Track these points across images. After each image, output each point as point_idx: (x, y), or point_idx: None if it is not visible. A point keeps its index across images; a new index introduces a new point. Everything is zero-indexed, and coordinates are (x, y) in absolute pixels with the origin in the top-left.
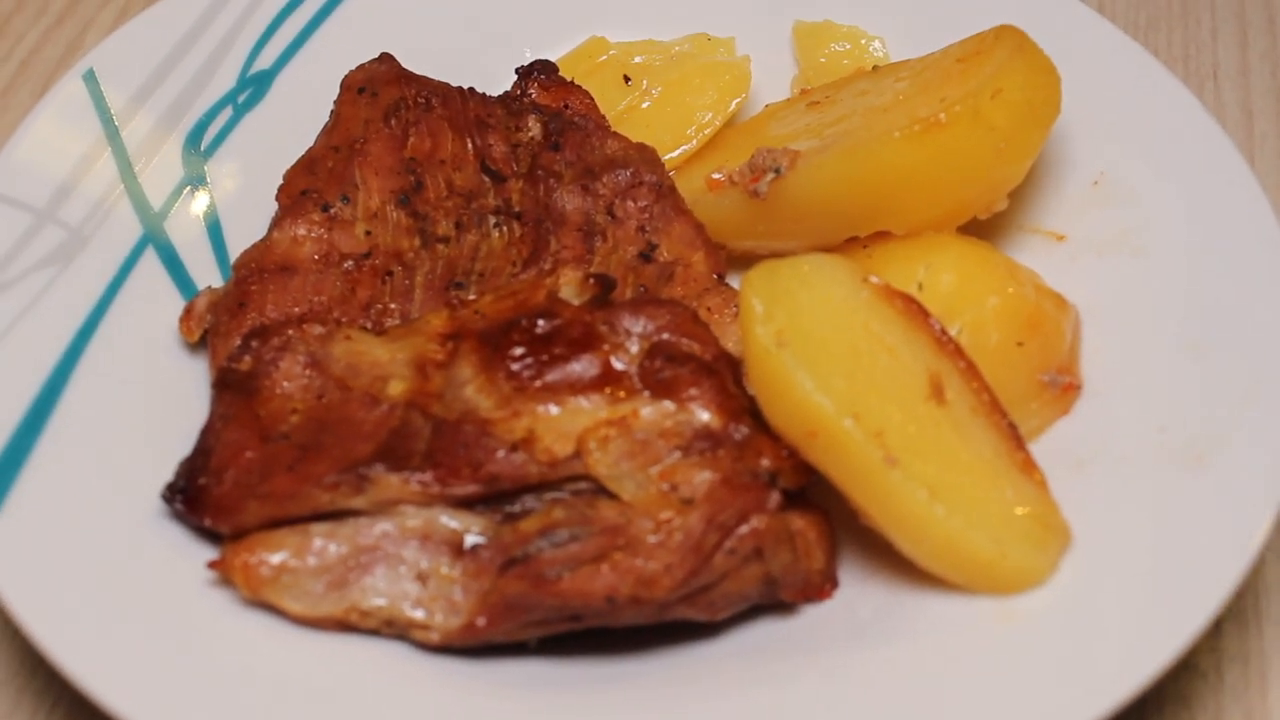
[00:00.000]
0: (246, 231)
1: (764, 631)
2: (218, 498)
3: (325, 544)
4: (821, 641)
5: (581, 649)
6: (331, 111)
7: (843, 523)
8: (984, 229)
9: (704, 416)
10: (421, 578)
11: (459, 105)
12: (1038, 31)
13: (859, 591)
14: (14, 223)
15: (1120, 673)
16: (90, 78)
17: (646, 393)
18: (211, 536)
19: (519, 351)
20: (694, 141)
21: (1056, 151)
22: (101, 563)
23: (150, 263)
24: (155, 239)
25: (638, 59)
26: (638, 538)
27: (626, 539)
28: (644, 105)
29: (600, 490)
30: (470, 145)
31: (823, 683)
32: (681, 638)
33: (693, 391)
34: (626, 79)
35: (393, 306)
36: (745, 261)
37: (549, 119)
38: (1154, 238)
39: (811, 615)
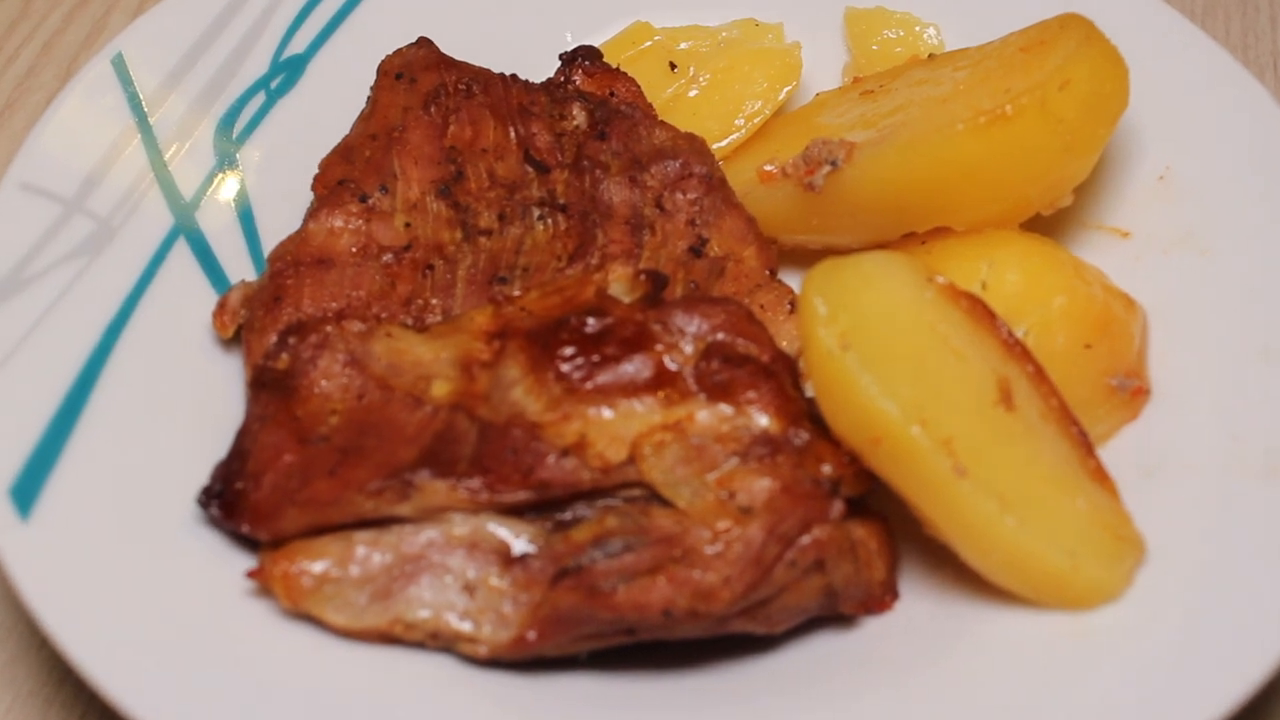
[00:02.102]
0: (281, 222)
1: (823, 645)
2: (255, 503)
3: (369, 553)
4: (882, 657)
5: (635, 662)
6: (369, 98)
7: (900, 529)
8: (1046, 224)
9: (762, 420)
10: (469, 589)
11: (501, 92)
12: (1098, 18)
13: (920, 602)
14: (41, 213)
15: (1203, 696)
16: (119, 62)
17: (702, 395)
18: (249, 543)
19: (569, 351)
20: (743, 131)
21: (1119, 144)
22: (133, 570)
23: (182, 255)
24: (187, 230)
25: (683, 45)
26: (695, 548)
27: (683, 549)
28: (691, 93)
29: (655, 497)
30: (513, 134)
31: (885, 703)
32: (738, 651)
33: (750, 394)
34: (672, 66)
35: (434, 302)
36: (796, 257)
37: (594, 107)
38: (1222, 236)
39: (871, 628)
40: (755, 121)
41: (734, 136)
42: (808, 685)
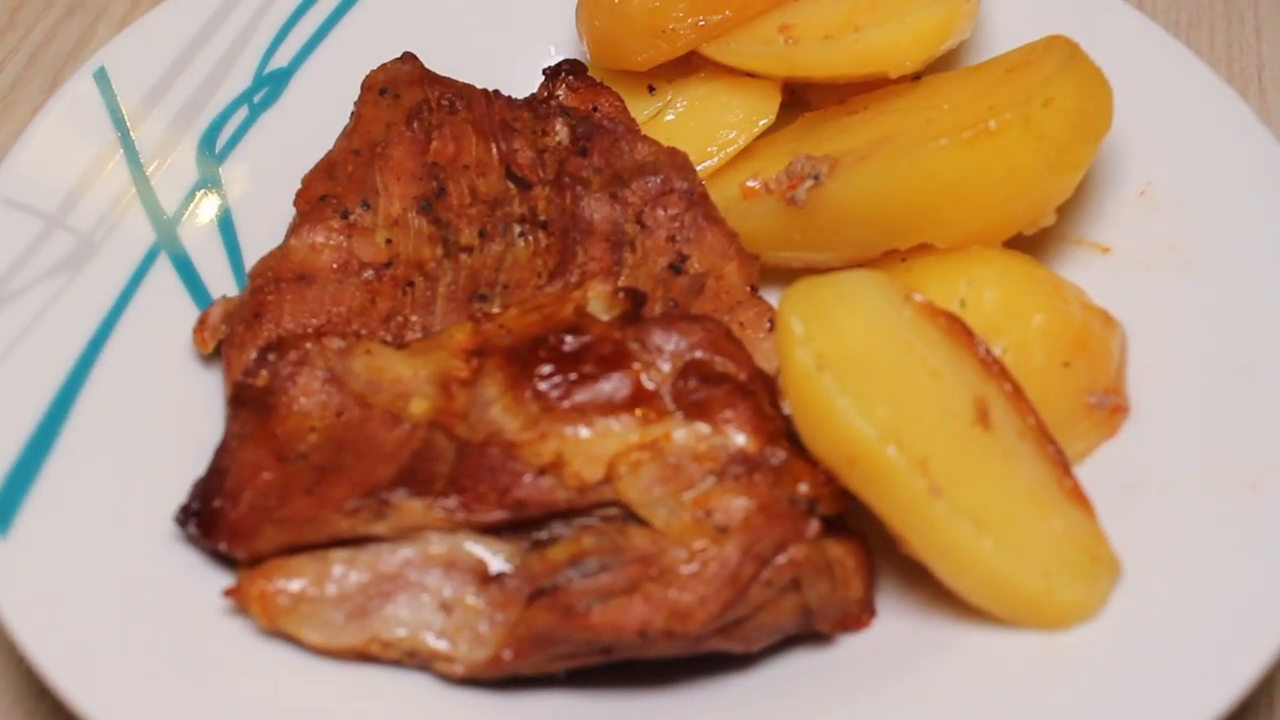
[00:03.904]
0: (263, 238)
1: (799, 663)
2: (233, 521)
3: (345, 571)
4: (858, 675)
5: (611, 680)
6: (352, 113)
7: (878, 547)
8: (1026, 239)
9: (739, 440)
10: (445, 607)
11: (484, 108)
12: (1081, 36)
13: (896, 621)
14: (23, 229)
15: (1178, 715)
16: (101, 76)
17: (679, 414)
18: (227, 561)
19: (547, 370)
20: (715, 160)
21: (1101, 159)
22: (111, 588)
23: (163, 270)
24: (168, 246)
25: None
26: (671, 568)
27: (659, 569)
28: (668, 117)
29: (631, 516)
30: (495, 150)
31: (859, 717)
32: (714, 669)
33: (727, 413)
34: (651, 88)
35: (414, 319)
36: (779, 273)
37: (577, 123)
38: (1203, 252)
39: (848, 646)
40: (729, 150)
41: (707, 164)
42: (784, 703)
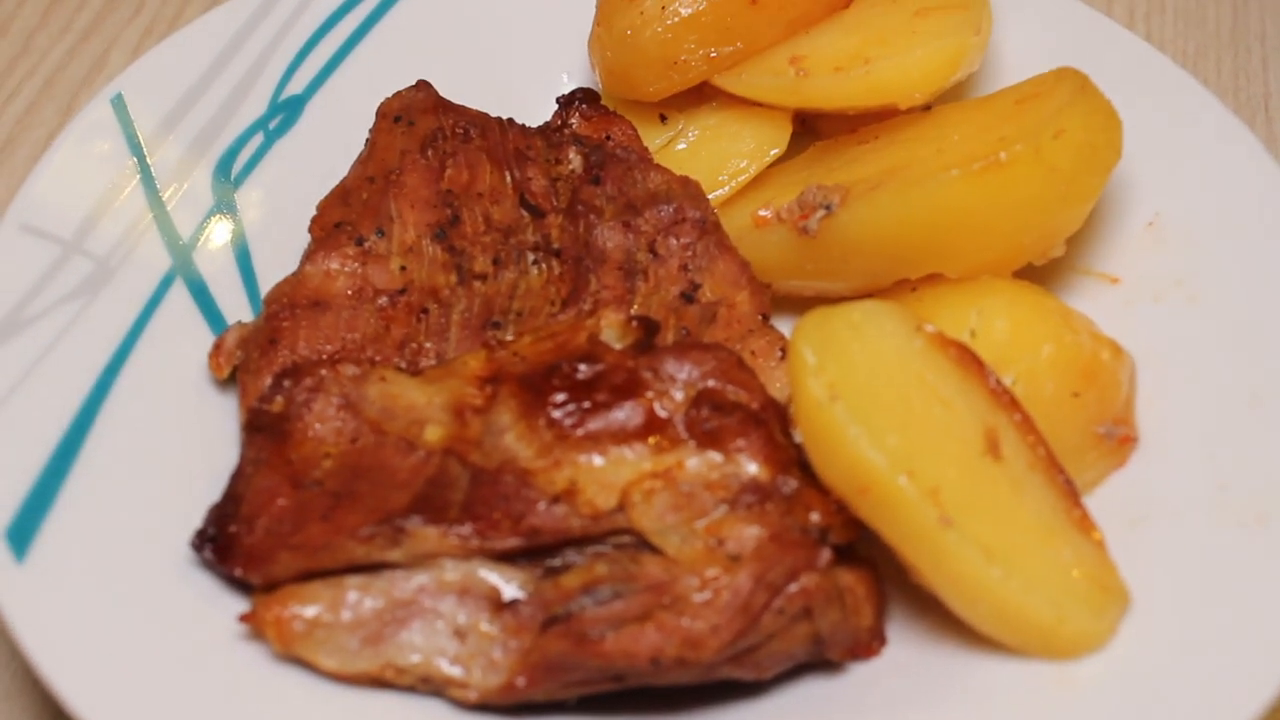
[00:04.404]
0: (278, 264)
1: (810, 691)
2: (249, 547)
3: (360, 598)
4: (868, 703)
5: (623, 707)
6: (367, 140)
7: (889, 576)
8: (1034, 270)
9: (751, 468)
10: (460, 634)
11: (498, 136)
12: (1089, 66)
13: (906, 649)
14: (40, 254)
15: None
16: (118, 102)
17: (692, 443)
18: (242, 586)
19: (560, 398)
20: (726, 189)
21: (1109, 190)
22: (127, 613)
23: (179, 295)
24: (184, 271)
25: None
26: (683, 596)
27: (672, 597)
28: (679, 146)
29: (644, 544)
30: (509, 178)
31: None
32: (725, 697)
33: (740, 442)
34: (663, 118)
35: (428, 346)
36: (790, 302)
37: (590, 151)
38: (1211, 283)
39: (858, 674)
40: (740, 179)
41: (719, 193)
42: None
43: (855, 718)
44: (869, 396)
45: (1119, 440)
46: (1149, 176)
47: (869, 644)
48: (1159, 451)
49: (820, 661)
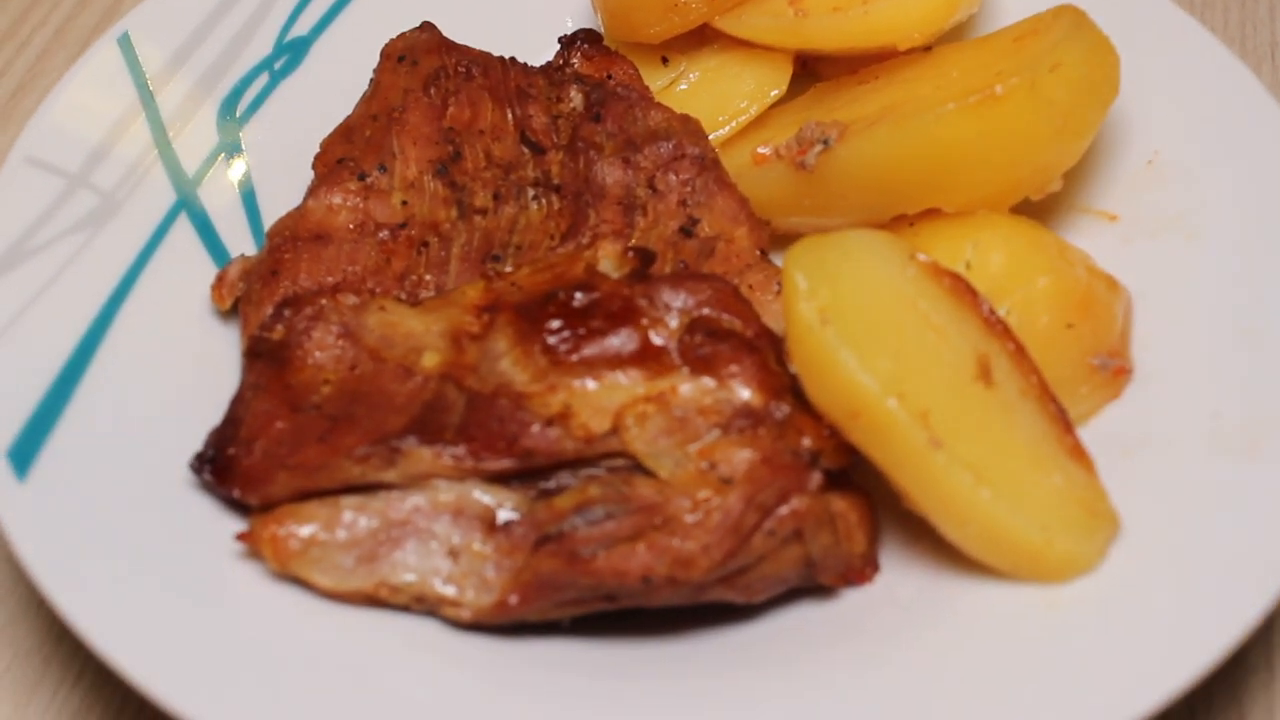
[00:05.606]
0: (281, 199)
1: (802, 615)
2: (247, 468)
3: (355, 517)
4: (861, 627)
5: (615, 629)
6: (370, 80)
7: (884, 504)
8: (1034, 207)
9: (744, 394)
10: (453, 553)
11: (500, 75)
12: (1093, 9)
13: (900, 576)
14: (46, 187)
15: (1169, 666)
16: (125, 42)
17: (686, 369)
18: (240, 508)
19: (556, 324)
20: (727, 129)
21: (1109, 129)
22: (128, 533)
23: (183, 229)
24: (189, 205)
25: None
26: (675, 517)
27: (663, 518)
28: (680, 88)
29: (637, 468)
30: (510, 116)
31: (861, 669)
32: (718, 620)
33: (733, 368)
34: (664, 59)
35: (428, 278)
36: (789, 240)
37: (591, 89)
38: (1208, 220)
39: (851, 599)
40: (741, 120)
41: (720, 133)
42: (788, 654)
43: (848, 642)
44: (861, 321)
45: (1113, 372)
46: (1149, 115)
47: (862, 570)
48: (1154, 384)
49: (813, 587)
